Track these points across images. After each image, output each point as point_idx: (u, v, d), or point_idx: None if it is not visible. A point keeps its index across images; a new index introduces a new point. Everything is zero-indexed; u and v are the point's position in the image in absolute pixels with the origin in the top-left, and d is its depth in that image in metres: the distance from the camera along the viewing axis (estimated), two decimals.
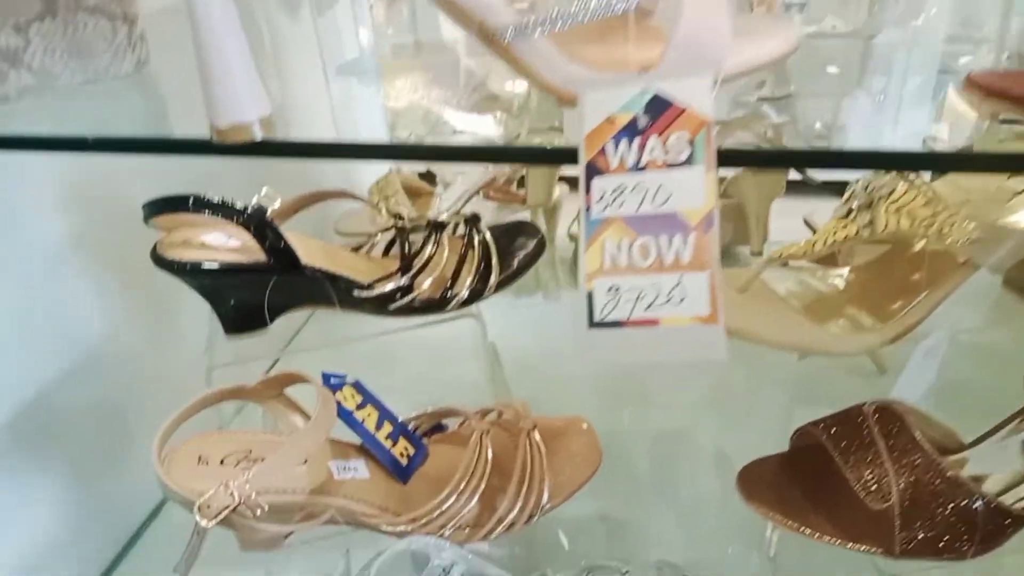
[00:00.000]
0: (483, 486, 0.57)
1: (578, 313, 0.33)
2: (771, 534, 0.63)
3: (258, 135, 0.39)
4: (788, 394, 0.83)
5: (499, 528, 0.56)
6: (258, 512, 0.47)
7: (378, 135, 0.63)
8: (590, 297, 0.33)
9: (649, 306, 0.33)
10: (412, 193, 1.04)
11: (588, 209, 0.34)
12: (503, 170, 1.06)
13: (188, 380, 0.73)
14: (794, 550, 0.62)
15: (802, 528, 0.55)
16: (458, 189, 1.07)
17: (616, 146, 0.34)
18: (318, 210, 0.64)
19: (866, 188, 0.64)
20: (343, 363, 0.59)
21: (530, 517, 0.57)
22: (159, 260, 0.57)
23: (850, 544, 0.53)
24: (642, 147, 0.34)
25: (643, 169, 0.34)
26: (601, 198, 0.34)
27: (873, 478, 0.53)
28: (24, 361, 0.57)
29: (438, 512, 0.55)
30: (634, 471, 0.74)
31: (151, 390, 0.69)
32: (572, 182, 1.19)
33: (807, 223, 0.86)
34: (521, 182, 1.08)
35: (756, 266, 0.65)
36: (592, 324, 0.33)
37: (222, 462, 0.53)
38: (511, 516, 0.56)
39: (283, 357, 0.76)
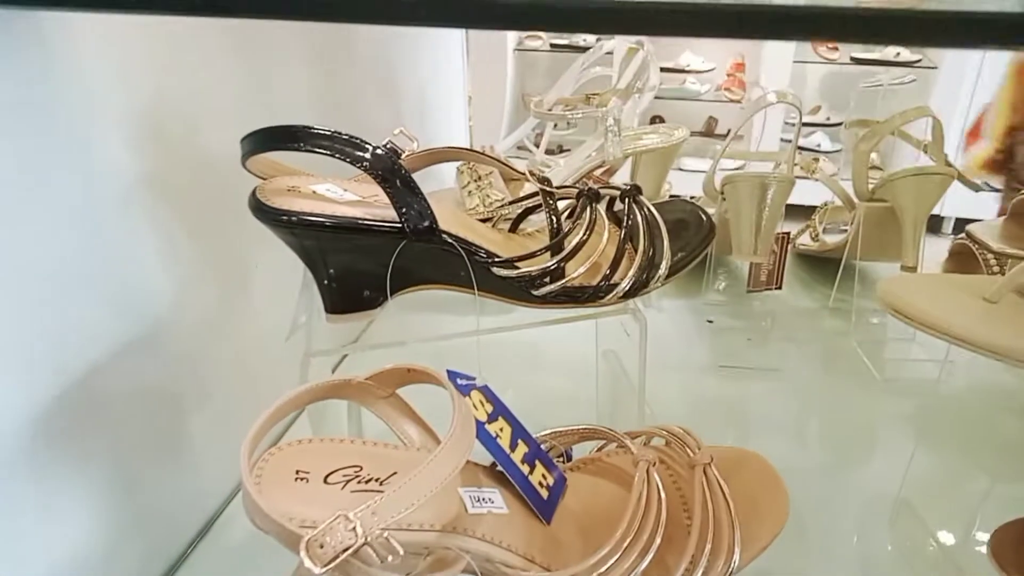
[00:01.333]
0: (658, 539, 0.43)
1: None
2: None
3: None
4: (946, 432, 0.69)
5: None
6: (389, 558, 0.34)
7: None
8: None
9: None
10: (504, 179, 0.91)
11: None
12: (610, 156, 0.93)
13: (259, 367, 0.60)
14: None
15: None
16: (558, 176, 0.94)
17: None
18: None
19: None
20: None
21: None
22: (259, 208, 0.44)
23: None
24: None
25: None
26: None
27: None
28: (71, 322, 0.44)
29: (601, 571, 0.41)
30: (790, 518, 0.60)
31: (217, 377, 0.56)
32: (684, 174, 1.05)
33: None
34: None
35: (1013, 273, 0.51)
36: None
37: (326, 480, 0.40)
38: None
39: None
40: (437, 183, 0.99)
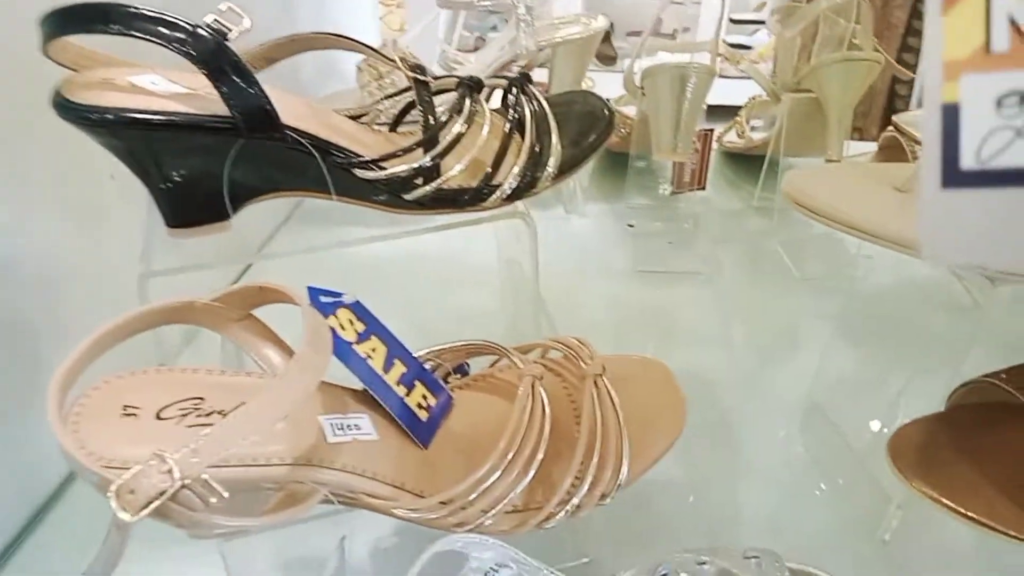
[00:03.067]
0: (540, 454, 0.40)
1: (928, 160, 0.16)
2: (893, 513, 0.48)
3: None
4: (865, 329, 0.68)
5: (560, 512, 0.40)
6: (213, 500, 0.30)
7: None
8: (951, 116, 0.15)
9: None
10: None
11: None
12: (522, 48, 0.85)
13: (121, 298, 0.55)
14: (912, 535, 0.47)
15: (977, 517, 0.39)
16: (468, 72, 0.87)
17: None
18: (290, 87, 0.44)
19: None
20: (315, 280, 0.41)
21: (603, 496, 0.41)
22: (64, 107, 0.37)
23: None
24: None
25: None
26: None
27: None
28: None
29: (479, 492, 0.38)
30: (700, 430, 0.58)
31: (73, 307, 0.50)
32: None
33: None
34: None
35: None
36: (953, 176, 0.15)
37: (159, 416, 0.35)
38: (579, 496, 0.40)
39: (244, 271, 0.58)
40: (341, 83, 0.91)
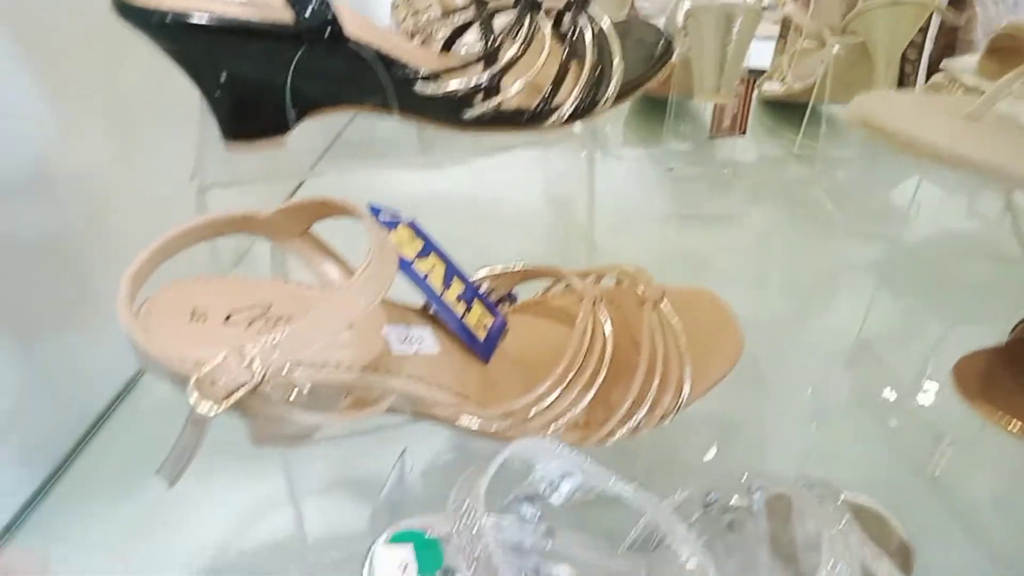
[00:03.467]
0: (603, 373, 0.39)
1: None
2: (944, 450, 0.47)
3: None
4: (909, 276, 0.67)
5: (621, 430, 0.40)
6: (293, 394, 0.30)
7: None
8: None
9: None
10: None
11: None
12: None
13: (175, 211, 0.55)
14: (960, 472, 0.47)
15: None
16: None
17: None
18: None
19: None
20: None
21: (663, 417, 0.41)
22: (125, 8, 0.36)
23: None
24: None
25: None
26: None
27: None
28: None
29: (542, 406, 0.38)
30: (744, 368, 0.57)
31: (123, 224, 0.50)
32: None
33: None
34: None
35: (997, 86, 0.46)
36: None
37: (228, 319, 0.35)
38: (639, 415, 0.40)
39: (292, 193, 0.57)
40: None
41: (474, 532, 0.28)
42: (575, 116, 0.44)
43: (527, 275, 0.46)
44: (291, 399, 0.30)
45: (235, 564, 0.41)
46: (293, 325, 0.30)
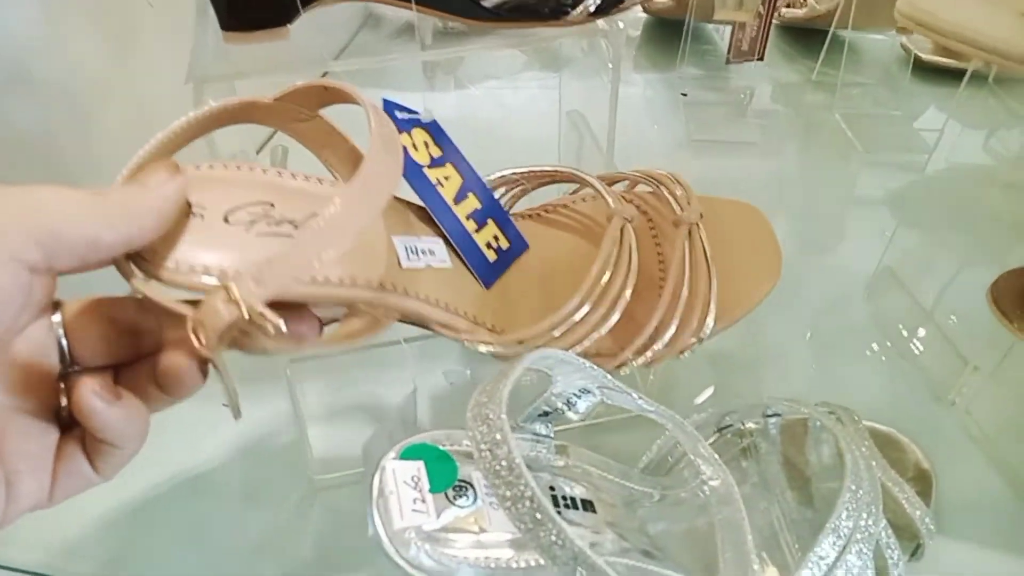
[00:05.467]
0: (627, 294, 0.37)
1: None
2: (968, 374, 0.46)
3: None
4: (930, 203, 0.65)
5: (642, 357, 0.38)
6: (271, 330, 0.27)
7: None
8: None
9: None
10: None
11: None
12: None
13: (169, 112, 0.51)
14: (981, 400, 0.46)
15: None
16: None
17: None
18: None
19: None
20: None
21: (681, 351, 0.38)
22: None
23: None
24: None
25: None
26: None
27: None
28: None
29: (560, 331, 0.36)
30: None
31: (114, 125, 0.47)
32: None
33: None
34: None
35: None
36: None
37: (227, 219, 0.32)
38: (663, 340, 0.38)
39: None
40: None
41: (497, 438, 0.26)
42: (600, 10, 0.41)
43: (554, 177, 0.43)
44: (272, 335, 0.27)
45: (239, 484, 0.40)
46: (284, 252, 0.27)
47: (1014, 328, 0.37)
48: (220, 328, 0.26)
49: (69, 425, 0.26)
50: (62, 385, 0.26)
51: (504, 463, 0.26)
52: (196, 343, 0.26)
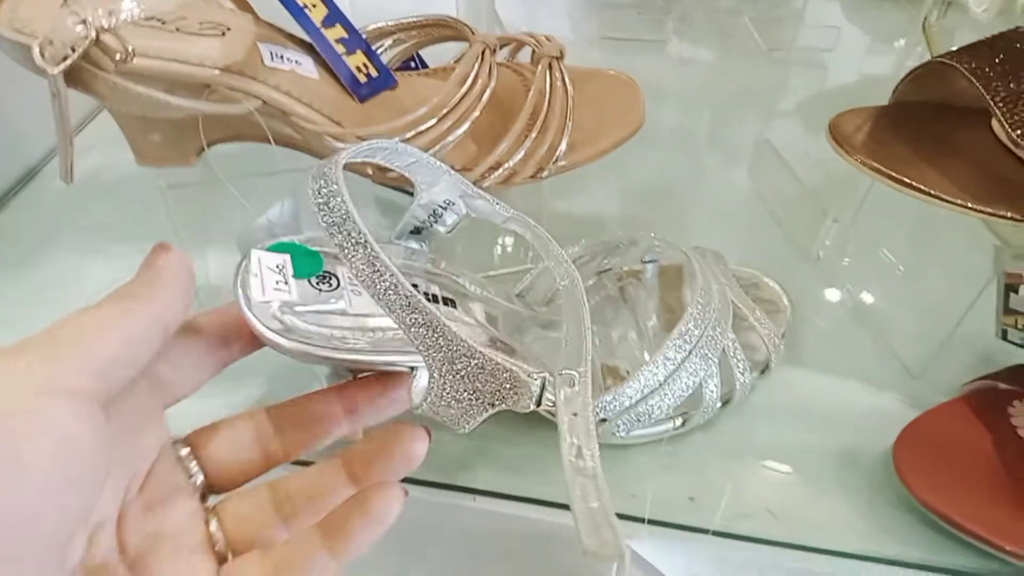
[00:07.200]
0: (477, 113, 0.39)
1: None
2: (830, 224, 0.49)
3: None
4: (823, 93, 0.67)
5: (493, 175, 0.40)
6: (129, 55, 0.28)
7: None
8: None
9: None
10: None
11: None
12: None
13: None
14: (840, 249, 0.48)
15: (916, 183, 0.39)
16: None
17: None
18: None
19: None
20: None
21: (538, 170, 0.40)
22: None
23: (972, 205, 0.38)
24: None
25: None
26: None
27: None
28: None
29: (410, 134, 0.37)
30: (658, 169, 0.58)
31: None
32: None
33: None
34: None
35: None
36: None
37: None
38: (512, 161, 0.39)
39: None
40: None
41: (333, 188, 0.26)
42: None
43: (427, 26, 0.44)
44: (129, 62, 0.28)
45: None
46: None
47: (854, 159, 0.40)
48: (68, 46, 0.27)
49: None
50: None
51: (339, 214, 0.26)
52: (41, 63, 0.27)
